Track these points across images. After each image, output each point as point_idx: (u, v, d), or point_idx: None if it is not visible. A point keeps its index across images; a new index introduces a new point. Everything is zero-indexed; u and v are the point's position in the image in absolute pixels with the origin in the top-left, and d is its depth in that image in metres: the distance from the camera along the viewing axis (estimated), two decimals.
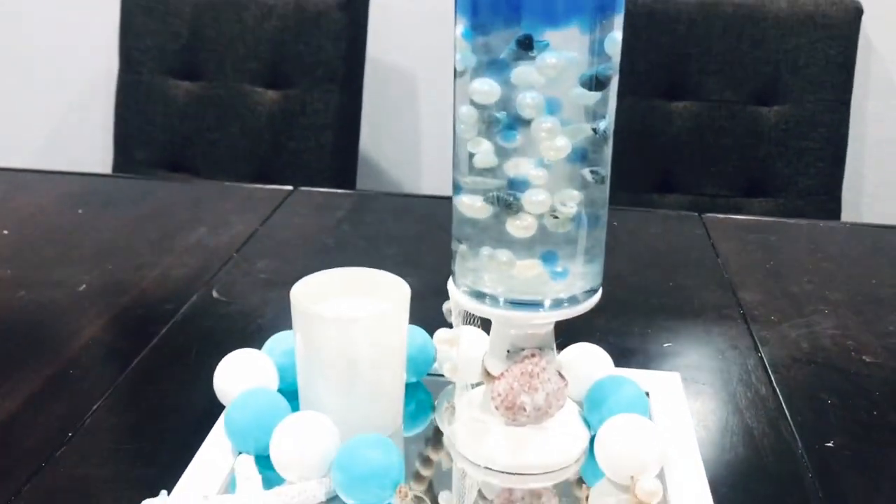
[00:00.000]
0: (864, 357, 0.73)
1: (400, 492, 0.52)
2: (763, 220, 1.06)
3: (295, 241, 0.95)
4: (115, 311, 0.77)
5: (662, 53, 1.55)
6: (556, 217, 0.52)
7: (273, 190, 1.09)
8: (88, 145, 1.78)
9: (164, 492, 0.51)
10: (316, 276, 0.60)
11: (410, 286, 0.58)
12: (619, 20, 0.52)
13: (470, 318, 0.61)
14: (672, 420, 0.61)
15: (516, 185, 0.52)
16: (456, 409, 0.60)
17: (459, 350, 0.58)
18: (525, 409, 0.56)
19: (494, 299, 0.54)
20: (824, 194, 1.57)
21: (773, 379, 0.69)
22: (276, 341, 0.64)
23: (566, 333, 0.63)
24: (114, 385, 0.65)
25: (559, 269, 0.53)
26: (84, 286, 0.81)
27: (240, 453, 0.55)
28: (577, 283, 0.54)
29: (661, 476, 0.55)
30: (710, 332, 0.76)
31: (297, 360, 0.58)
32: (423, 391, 0.66)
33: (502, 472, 0.57)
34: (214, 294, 0.80)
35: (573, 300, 0.54)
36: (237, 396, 0.57)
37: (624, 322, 0.77)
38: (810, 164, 1.57)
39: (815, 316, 0.79)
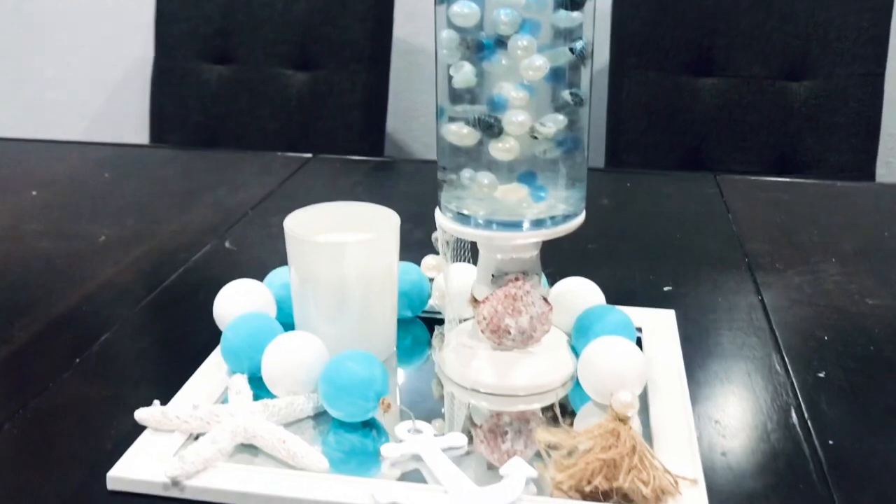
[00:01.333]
0: (867, 300, 0.72)
1: (382, 403, 0.53)
2: (777, 180, 1.05)
3: (309, 201, 0.96)
4: (131, 259, 0.80)
5: (689, 29, 1.55)
6: (536, 137, 0.53)
7: (293, 157, 1.11)
8: (125, 128, 1.84)
9: (156, 401, 0.53)
10: (310, 209, 0.62)
11: (417, 239, 0.59)
12: None
13: (460, 253, 0.62)
14: (661, 350, 0.62)
15: (497, 107, 0.53)
16: (445, 336, 0.62)
17: (447, 278, 0.60)
18: (510, 333, 0.57)
19: (477, 221, 0.55)
20: (857, 170, 1.54)
21: (771, 319, 0.69)
22: (276, 275, 0.66)
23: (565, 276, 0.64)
24: (123, 320, 0.68)
25: (540, 191, 0.54)
26: (103, 238, 0.84)
27: (234, 374, 0.57)
28: (558, 206, 0.55)
29: (645, 400, 0.56)
30: (712, 278, 0.76)
31: (291, 288, 0.60)
32: (420, 327, 0.67)
33: (489, 394, 0.58)
34: (227, 244, 0.83)
35: (554, 220, 0.55)
36: (233, 319, 0.59)
37: (627, 269, 0.78)
38: (842, 140, 1.55)
39: (821, 265, 0.79)
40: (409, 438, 0.52)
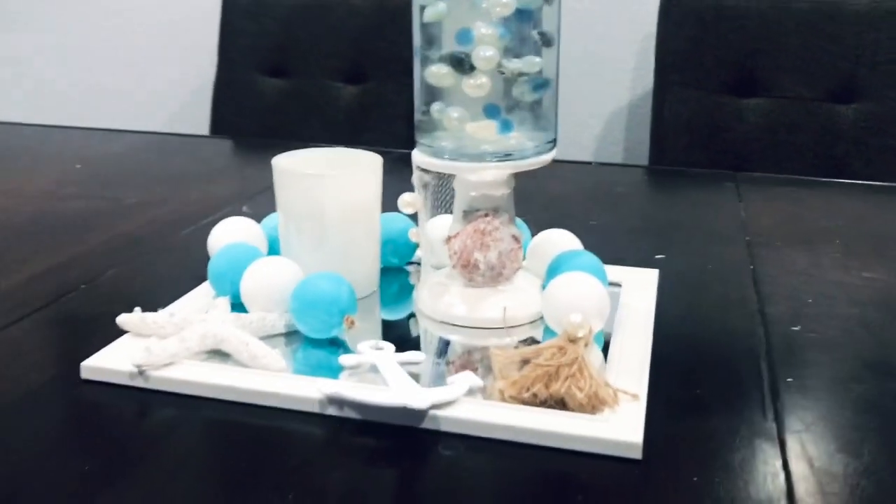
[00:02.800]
0: (863, 273, 0.71)
1: (346, 320, 0.55)
2: (795, 177, 1.05)
3: None
4: (152, 217, 0.85)
5: (732, 49, 1.55)
6: (503, 73, 0.56)
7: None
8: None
9: (137, 308, 0.57)
10: (300, 151, 0.65)
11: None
12: None
13: (441, 201, 0.65)
14: (635, 299, 0.63)
15: (467, 42, 0.56)
16: (421, 275, 0.64)
17: (421, 216, 0.62)
18: (479, 268, 0.59)
19: (448, 153, 0.58)
20: None
21: (758, 283, 0.69)
22: (272, 218, 0.69)
23: None
24: (127, 261, 0.73)
25: (505, 124, 0.56)
26: (133, 200, 0.90)
27: (219, 297, 0.61)
28: (526, 143, 0.58)
29: (607, 342, 0.57)
30: (708, 251, 0.77)
31: (278, 222, 0.64)
32: (407, 276, 0.70)
33: (459, 326, 0.60)
34: (243, 209, 0.87)
35: (521, 154, 0.57)
36: (220, 248, 0.63)
37: (622, 241, 0.79)
38: (892, 164, 1.52)
39: (823, 245, 0.78)
40: (368, 352, 0.54)
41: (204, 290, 0.64)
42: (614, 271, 0.67)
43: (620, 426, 0.46)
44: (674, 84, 1.57)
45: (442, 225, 0.65)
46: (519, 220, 0.65)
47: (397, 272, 0.70)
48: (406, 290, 0.67)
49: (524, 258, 0.67)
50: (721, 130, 1.57)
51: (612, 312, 0.59)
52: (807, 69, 1.53)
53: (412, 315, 0.63)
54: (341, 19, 1.64)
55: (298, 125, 1.68)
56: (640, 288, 0.65)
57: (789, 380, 0.53)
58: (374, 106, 1.63)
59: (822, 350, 0.57)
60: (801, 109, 1.54)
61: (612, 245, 0.76)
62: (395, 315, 0.64)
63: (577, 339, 0.51)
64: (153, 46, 1.87)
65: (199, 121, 1.82)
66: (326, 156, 0.65)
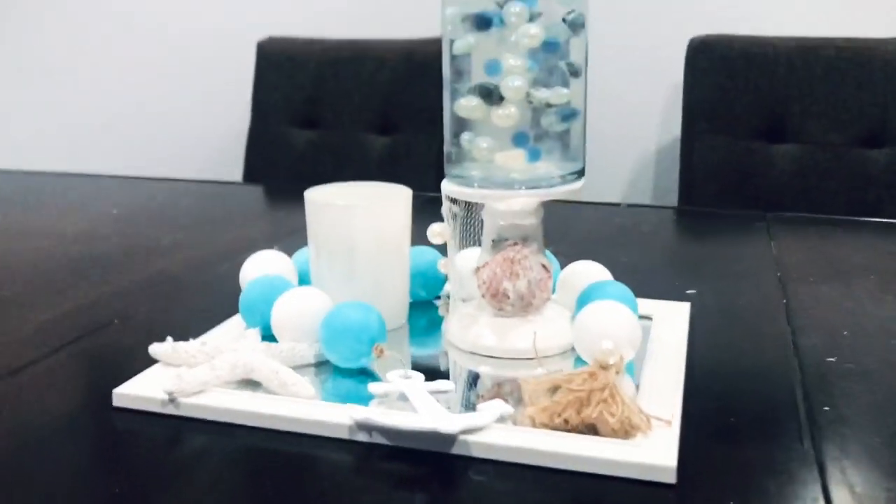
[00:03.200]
0: None
1: (376, 349, 0.55)
2: (826, 217, 1.04)
3: None
4: (186, 257, 0.86)
5: (760, 95, 1.55)
6: (532, 103, 0.57)
7: None
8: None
9: (169, 338, 0.57)
10: (331, 185, 0.66)
11: None
12: None
13: (469, 235, 0.65)
14: (667, 330, 0.62)
15: (496, 74, 0.57)
16: (450, 306, 0.64)
17: (450, 246, 0.63)
18: (509, 297, 0.59)
19: (476, 182, 0.58)
20: None
21: (790, 318, 0.68)
22: (303, 252, 0.70)
23: None
24: (161, 297, 0.73)
25: (534, 152, 0.57)
26: (168, 241, 0.91)
27: (250, 328, 0.61)
28: (554, 171, 0.58)
29: (638, 372, 0.56)
30: (739, 287, 0.76)
31: (309, 255, 0.64)
32: (435, 310, 0.69)
33: (489, 357, 0.59)
34: (275, 249, 0.88)
35: (549, 183, 0.57)
36: (251, 280, 0.63)
37: (652, 277, 0.78)
38: None
39: (858, 280, 0.77)
40: (397, 381, 0.54)
41: (235, 322, 0.64)
42: (645, 304, 0.66)
43: (654, 450, 0.45)
44: (702, 131, 1.57)
45: (471, 257, 0.65)
46: (548, 253, 0.65)
47: (426, 306, 0.70)
48: (435, 324, 0.67)
49: (553, 291, 0.67)
50: (751, 176, 1.56)
51: (644, 344, 0.59)
52: (836, 115, 1.52)
53: (441, 348, 0.62)
54: (371, 72, 1.67)
55: (330, 175, 1.70)
56: (671, 321, 0.65)
57: (826, 408, 0.52)
58: (404, 156, 1.65)
59: (859, 380, 0.56)
60: (831, 155, 1.54)
61: (642, 281, 0.75)
62: (425, 347, 0.64)
63: (608, 366, 0.51)
64: (189, 98, 1.92)
65: (232, 171, 1.86)
66: (357, 189, 0.66)
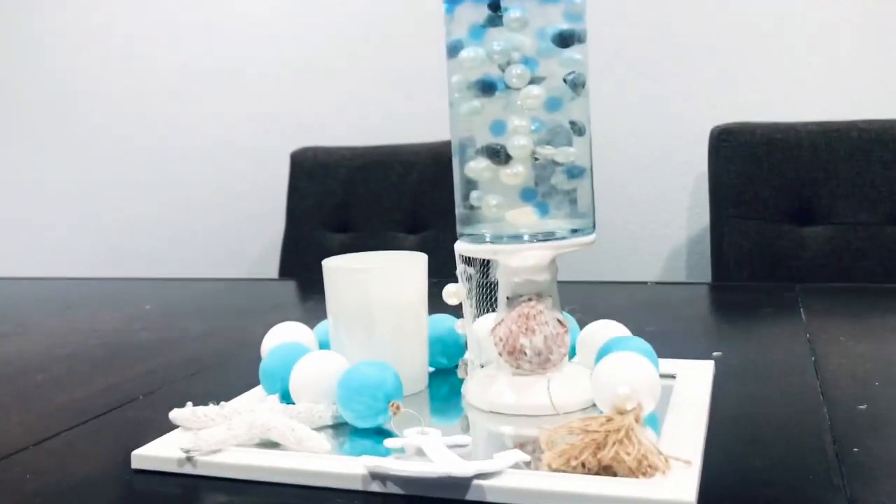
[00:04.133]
0: None
1: (392, 406, 0.55)
2: (856, 285, 1.02)
3: None
4: (214, 343, 0.87)
5: (787, 179, 1.56)
6: (538, 160, 0.58)
7: None
8: None
9: (189, 403, 0.58)
10: (349, 255, 0.68)
11: None
12: None
13: (486, 301, 0.66)
14: (690, 386, 0.61)
15: (501, 134, 0.59)
16: (468, 368, 0.64)
17: (466, 307, 0.63)
18: (526, 353, 0.59)
19: (488, 238, 0.59)
20: None
21: (819, 372, 0.66)
22: (324, 324, 0.71)
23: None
24: (186, 376, 0.74)
25: (542, 206, 0.58)
26: (199, 331, 0.93)
27: (270, 395, 0.62)
28: (564, 226, 0.59)
29: (661, 425, 0.55)
30: (766, 347, 0.75)
31: (328, 321, 0.65)
32: (457, 378, 0.69)
33: (508, 416, 0.59)
34: None
35: (559, 236, 0.58)
36: (271, 348, 0.64)
37: (678, 342, 0.78)
38: None
39: (889, 338, 0.75)
40: (414, 437, 0.53)
41: (256, 392, 0.64)
42: (668, 364, 0.66)
43: (672, 488, 0.44)
44: (731, 216, 1.57)
45: (489, 323, 0.65)
46: (568, 315, 0.65)
47: (447, 374, 0.69)
48: (456, 390, 0.67)
49: (573, 355, 0.67)
50: (784, 259, 1.55)
51: (666, 400, 0.58)
52: (864, 194, 1.52)
53: (462, 412, 0.62)
54: (399, 174, 1.72)
55: None
56: (695, 377, 0.64)
57: (856, 450, 0.50)
58: (434, 252, 1.66)
59: (891, 425, 0.54)
60: (864, 234, 1.53)
61: (666, 344, 0.74)
62: (445, 412, 0.64)
63: (625, 411, 0.50)
64: (227, 206, 1.97)
65: (268, 274, 1.89)
66: (374, 257, 0.67)
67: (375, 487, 0.48)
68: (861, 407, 0.58)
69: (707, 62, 1.60)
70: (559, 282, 0.61)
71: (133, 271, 2.02)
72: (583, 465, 0.47)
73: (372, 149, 1.76)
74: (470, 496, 0.46)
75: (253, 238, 1.95)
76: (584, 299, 0.66)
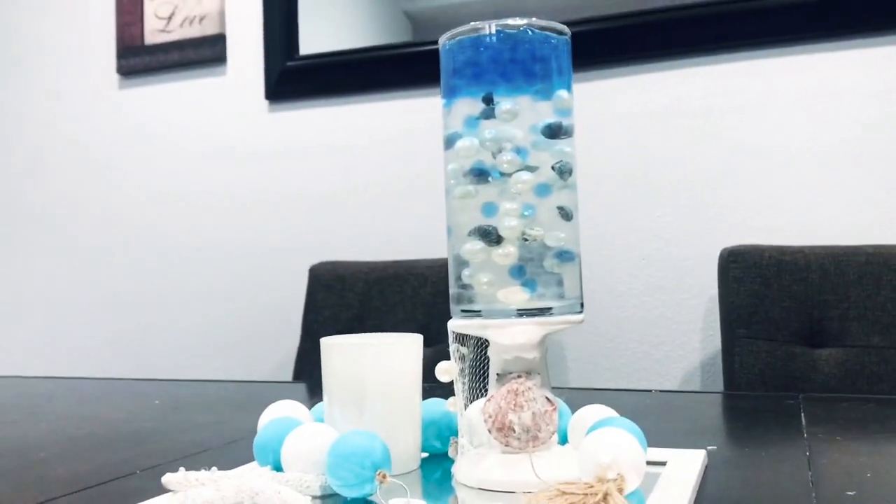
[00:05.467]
0: None
1: (378, 475, 0.56)
2: (862, 396, 1.02)
3: None
4: (220, 431, 0.88)
5: (797, 301, 1.57)
6: (527, 240, 0.61)
7: None
8: None
9: (182, 468, 0.59)
10: (346, 336, 0.70)
11: None
12: (563, 79, 0.63)
13: (478, 385, 0.67)
14: (678, 472, 0.61)
15: (492, 215, 0.62)
16: (459, 447, 0.64)
17: (458, 385, 0.65)
18: (514, 430, 0.60)
19: (479, 314, 0.61)
20: None
21: (812, 465, 0.66)
22: (321, 406, 0.72)
23: None
24: (189, 456, 0.76)
25: (530, 284, 0.61)
26: (206, 421, 0.94)
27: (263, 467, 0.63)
28: (554, 304, 0.61)
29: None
30: (761, 443, 0.75)
31: (323, 397, 0.67)
32: (450, 463, 0.70)
33: (496, 492, 0.59)
34: None
35: (549, 313, 0.60)
36: (266, 422, 0.66)
37: (670, 438, 0.78)
38: None
39: (887, 438, 0.75)
40: None
41: (250, 465, 0.65)
42: (659, 452, 0.66)
43: None
44: (742, 337, 1.58)
45: (480, 407, 0.66)
46: (560, 401, 0.66)
47: (441, 459, 0.70)
48: (448, 474, 0.67)
49: (565, 440, 0.68)
50: (797, 380, 1.54)
51: (654, 481, 0.58)
52: (876, 318, 1.53)
53: (452, 492, 0.62)
54: (414, 288, 1.76)
55: None
56: (685, 465, 0.64)
57: None
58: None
59: None
60: (877, 358, 1.52)
61: (660, 438, 0.75)
62: (434, 492, 0.64)
63: (606, 480, 0.51)
64: (244, 317, 2.01)
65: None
66: (371, 337, 0.69)
67: None
68: (850, 493, 0.58)
69: (715, 187, 1.65)
70: (564, 388, 0.63)
71: (148, 376, 2.04)
72: None
73: (388, 263, 1.81)
74: None
75: (268, 349, 1.98)
76: (586, 400, 0.68)
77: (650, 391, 1.09)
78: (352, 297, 1.82)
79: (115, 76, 2.12)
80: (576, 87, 1.70)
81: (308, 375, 1.78)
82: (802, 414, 0.87)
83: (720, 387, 1.58)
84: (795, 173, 1.61)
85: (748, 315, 1.58)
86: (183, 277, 2.05)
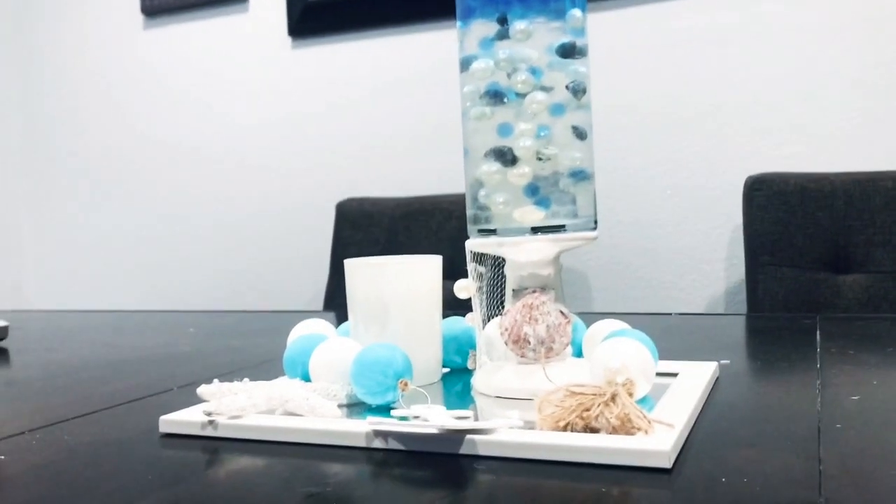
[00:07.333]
0: None
1: (400, 383, 0.59)
2: (875, 315, 1.03)
3: None
4: (257, 351, 0.92)
5: (822, 228, 1.58)
6: (541, 159, 0.63)
7: None
8: None
9: (216, 379, 0.63)
10: (369, 258, 0.72)
11: None
12: (576, 1, 0.64)
13: (496, 301, 0.69)
14: (689, 379, 0.64)
15: (508, 136, 0.64)
16: (478, 359, 0.67)
17: (476, 301, 0.67)
18: (529, 342, 0.63)
19: (495, 233, 0.64)
20: None
21: (821, 374, 0.68)
22: (347, 324, 0.75)
23: None
24: (226, 374, 0.79)
25: (544, 201, 0.62)
26: (244, 343, 0.98)
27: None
28: (567, 222, 0.63)
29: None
30: (774, 357, 0.77)
31: (348, 314, 0.70)
32: (470, 376, 0.73)
33: (512, 399, 0.62)
34: None
35: (560, 230, 0.62)
36: (295, 338, 0.69)
37: (690, 353, 0.80)
38: None
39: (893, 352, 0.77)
40: (419, 409, 0.57)
41: (281, 379, 0.69)
42: (673, 364, 0.68)
43: (651, 441, 0.47)
44: (766, 264, 1.59)
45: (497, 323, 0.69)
46: (576, 318, 0.69)
47: (461, 373, 0.73)
48: (468, 386, 0.70)
49: (580, 354, 0.70)
50: (820, 307, 1.55)
51: (664, 390, 0.61)
52: None
53: (472, 402, 0.65)
54: (439, 223, 1.78)
55: None
56: (696, 375, 0.66)
57: (838, 425, 0.52)
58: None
59: (875, 411, 0.56)
60: None
61: (675, 355, 0.77)
62: (455, 401, 0.67)
63: (614, 382, 0.53)
64: (275, 254, 2.05)
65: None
66: (392, 259, 0.72)
67: (378, 444, 0.52)
68: (854, 398, 0.60)
69: (740, 116, 1.64)
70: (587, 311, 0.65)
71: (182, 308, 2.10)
72: (568, 425, 0.50)
73: (413, 199, 1.83)
74: (464, 450, 0.50)
75: (300, 284, 2.02)
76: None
77: (670, 314, 1.11)
78: (378, 232, 1.84)
79: (139, 16, 2.14)
80: (599, 16, 1.69)
81: (338, 309, 1.82)
82: (818, 331, 0.89)
83: (744, 311, 1.59)
84: (820, 100, 1.59)
85: (772, 243, 1.59)
86: (213, 217, 2.09)
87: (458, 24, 0.67)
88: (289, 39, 1.98)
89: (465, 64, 0.66)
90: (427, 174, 1.90)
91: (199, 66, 2.08)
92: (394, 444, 0.51)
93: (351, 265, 0.69)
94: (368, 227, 1.86)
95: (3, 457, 0.55)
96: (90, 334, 1.18)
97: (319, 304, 1.90)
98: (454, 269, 1.74)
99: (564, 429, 0.50)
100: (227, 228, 2.08)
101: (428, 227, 1.80)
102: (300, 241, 2.01)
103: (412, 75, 1.88)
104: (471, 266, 0.67)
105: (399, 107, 1.90)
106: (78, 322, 1.35)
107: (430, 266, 0.69)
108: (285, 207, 2.02)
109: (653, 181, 1.70)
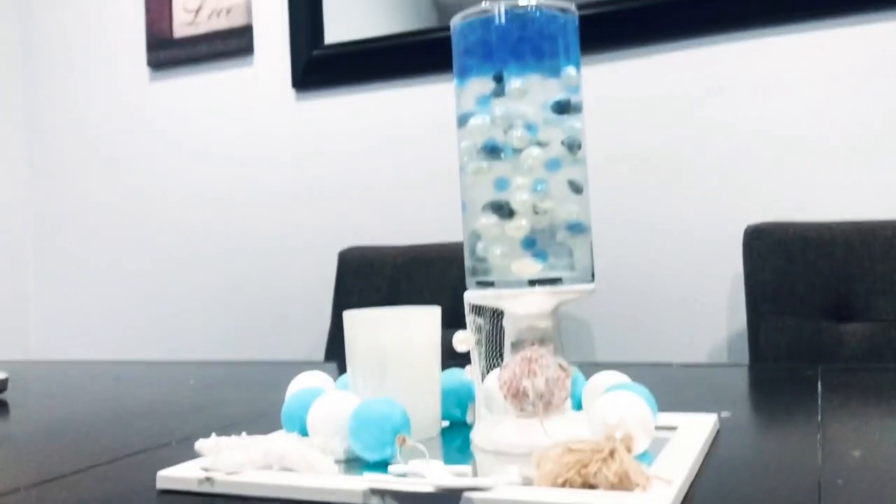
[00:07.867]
0: None
1: (398, 439, 0.59)
2: (877, 364, 1.02)
3: None
4: (256, 406, 0.92)
5: (822, 276, 1.57)
6: (538, 213, 0.63)
7: None
8: None
9: (214, 433, 0.62)
10: (369, 309, 0.73)
11: None
12: (570, 57, 0.65)
13: (494, 354, 0.70)
14: (688, 434, 0.63)
15: (505, 189, 0.64)
16: (477, 413, 0.67)
17: (475, 354, 0.67)
18: (528, 396, 0.63)
19: (493, 285, 0.64)
20: None
21: (822, 428, 0.68)
22: (346, 376, 0.75)
23: None
24: (225, 428, 0.79)
25: (541, 254, 0.63)
26: (244, 397, 0.98)
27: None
28: (564, 274, 0.63)
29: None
30: (776, 410, 0.76)
31: (347, 368, 0.70)
32: (470, 430, 0.72)
33: (512, 454, 0.62)
34: None
35: (557, 283, 0.63)
36: (293, 392, 0.69)
37: (689, 404, 0.80)
38: None
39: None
40: (418, 466, 0.57)
41: (278, 433, 0.69)
42: (672, 417, 0.68)
43: (649, 498, 0.46)
44: (767, 313, 1.59)
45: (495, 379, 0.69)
46: (575, 368, 0.69)
47: (461, 427, 0.73)
48: (468, 441, 0.70)
49: (580, 408, 0.70)
50: (823, 355, 1.54)
51: (663, 445, 0.60)
52: None
53: (471, 457, 0.65)
54: (441, 270, 1.78)
55: None
56: (696, 428, 0.66)
57: (840, 481, 0.52)
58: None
59: (879, 469, 0.56)
60: None
61: (675, 407, 0.77)
62: (454, 456, 0.67)
63: (612, 438, 0.53)
64: (276, 301, 2.05)
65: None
66: (391, 310, 0.72)
67: (375, 502, 0.51)
68: (855, 453, 0.59)
69: (739, 165, 1.65)
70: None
71: (182, 359, 2.09)
72: (569, 482, 0.50)
73: (415, 247, 1.84)
74: None
75: (300, 334, 2.02)
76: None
77: (671, 365, 1.11)
78: (380, 281, 1.85)
79: (145, 69, 2.17)
80: (596, 69, 1.71)
81: (339, 357, 1.82)
82: (819, 382, 0.89)
83: (746, 363, 1.59)
84: (818, 150, 1.61)
85: (773, 291, 1.59)
86: (216, 266, 2.10)
87: (455, 81, 0.68)
88: (293, 92, 2.01)
89: (463, 120, 0.67)
90: (428, 223, 1.91)
91: (205, 118, 2.11)
92: (391, 503, 0.51)
93: (349, 316, 0.69)
94: (370, 276, 1.86)
95: None
96: (91, 386, 1.17)
97: (321, 352, 1.89)
98: (456, 317, 1.73)
99: (563, 485, 0.50)
100: (232, 278, 2.09)
101: (430, 275, 1.80)
102: (303, 289, 2.02)
103: (414, 126, 1.90)
104: (469, 318, 0.68)
105: (401, 157, 1.92)
106: (78, 373, 1.34)
107: (429, 318, 0.69)
108: (288, 257, 2.03)
109: (652, 229, 1.71)
